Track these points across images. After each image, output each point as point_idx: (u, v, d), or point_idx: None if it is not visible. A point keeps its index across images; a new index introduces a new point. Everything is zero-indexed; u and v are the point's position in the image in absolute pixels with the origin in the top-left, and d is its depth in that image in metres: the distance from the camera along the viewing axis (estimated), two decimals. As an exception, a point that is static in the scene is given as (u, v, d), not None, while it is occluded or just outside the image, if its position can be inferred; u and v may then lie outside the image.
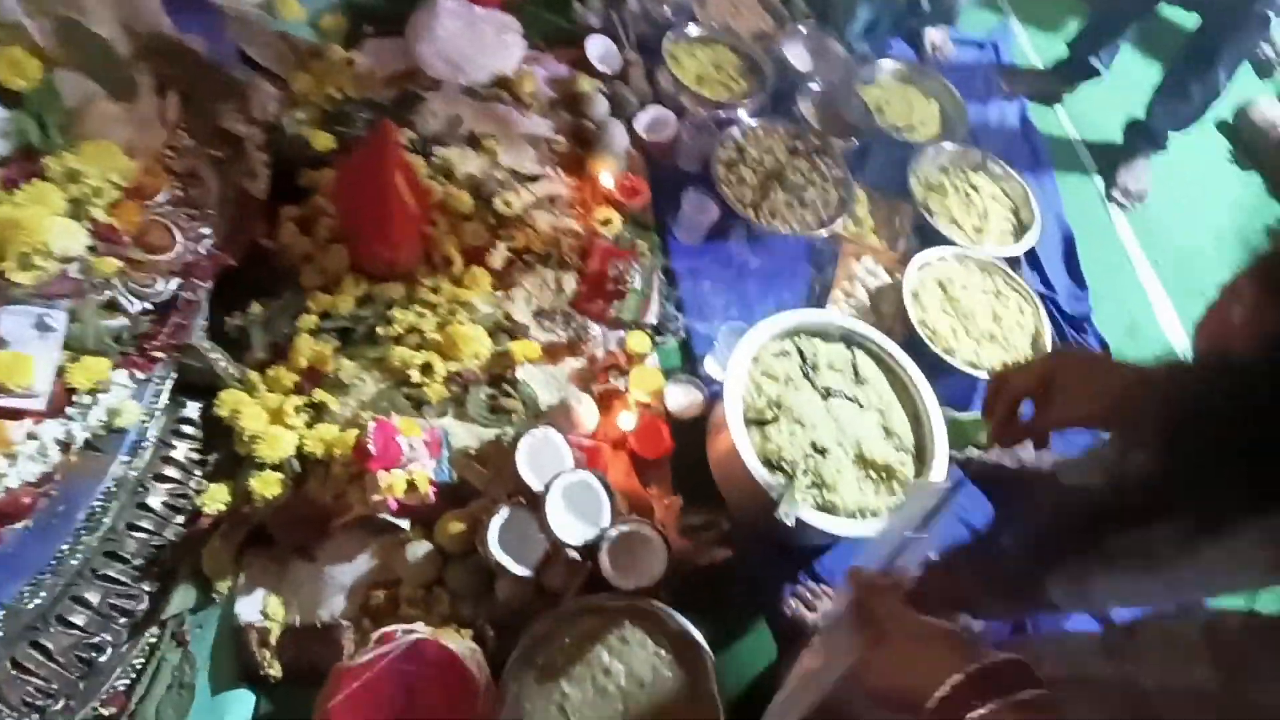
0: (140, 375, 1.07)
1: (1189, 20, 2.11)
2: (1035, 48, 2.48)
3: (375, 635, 0.99)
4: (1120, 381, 0.76)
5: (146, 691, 1.00)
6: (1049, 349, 1.57)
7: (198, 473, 1.15)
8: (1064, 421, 0.80)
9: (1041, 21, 2.58)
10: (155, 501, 1.09)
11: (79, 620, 0.98)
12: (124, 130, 1.11)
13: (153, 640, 1.03)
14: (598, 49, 1.84)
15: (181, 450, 1.14)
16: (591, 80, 1.79)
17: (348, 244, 1.34)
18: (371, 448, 1.07)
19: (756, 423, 1.21)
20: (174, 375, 1.13)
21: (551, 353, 1.39)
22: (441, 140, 1.58)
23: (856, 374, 1.30)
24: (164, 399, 1.10)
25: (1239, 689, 0.63)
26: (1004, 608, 1.12)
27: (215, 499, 1.12)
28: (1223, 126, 2.42)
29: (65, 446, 0.99)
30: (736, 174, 1.68)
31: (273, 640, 1.07)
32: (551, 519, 1.08)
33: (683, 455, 1.32)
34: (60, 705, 0.95)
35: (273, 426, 1.16)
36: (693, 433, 1.34)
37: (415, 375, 1.27)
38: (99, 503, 1.00)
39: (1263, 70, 2.61)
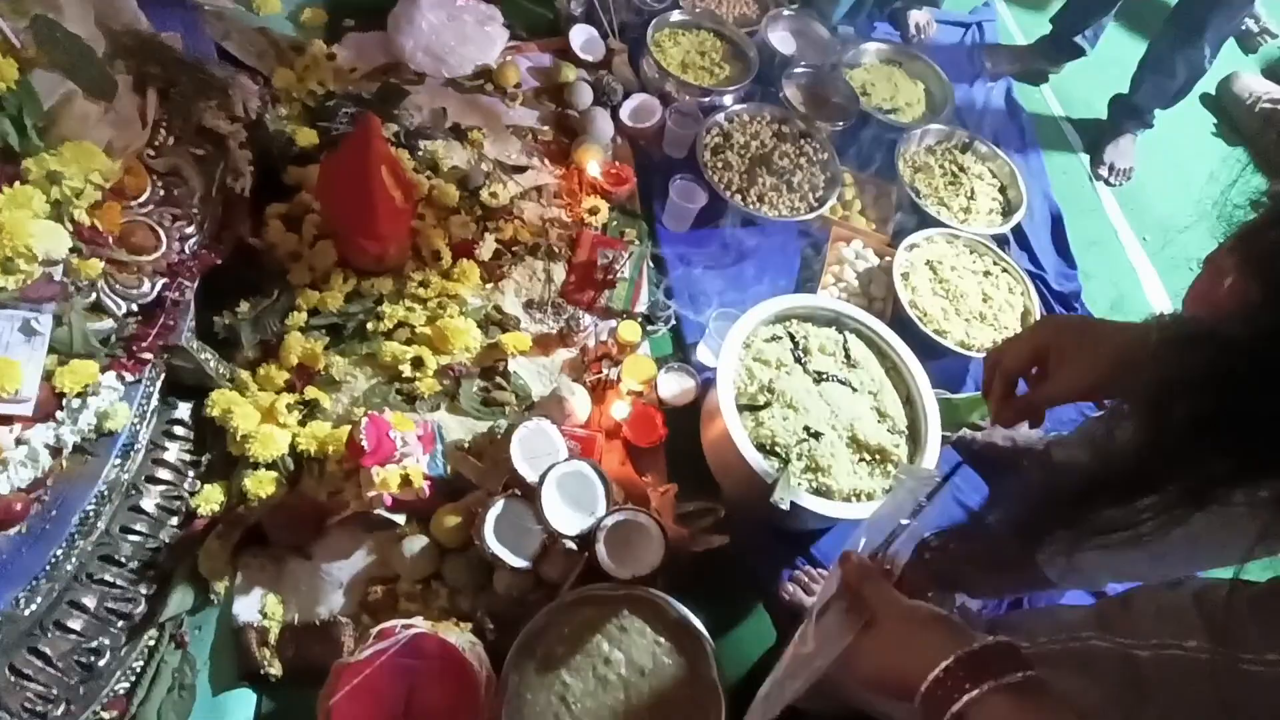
0: (129, 377, 1.06)
1: (1172, -4, 2.12)
2: (1020, 26, 2.48)
3: (374, 631, 0.99)
4: (1112, 349, 0.76)
5: (147, 694, 1.01)
6: (1038, 324, 1.57)
7: (191, 474, 1.15)
8: (1062, 397, 0.80)
9: (1025, 0, 2.57)
10: (149, 504, 1.09)
11: (76, 625, 0.98)
12: (104, 130, 1.10)
13: (151, 643, 1.03)
14: (581, 37, 1.82)
15: (174, 452, 1.14)
16: (575, 69, 1.78)
17: (335, 240, 1.34)
18: (365, 444, 1.06)
19: (749, 408, 1.21)
20: (164, 376, 1.12)
21: (543, 344, 1.39)
22: (426, 133, 1.57)
23: (848, 357, 1.31)
24: (154, 401, 1.10)
25: (1231, 658, 0.63)
26: (998, 585, 1.13)
27: (209, 500, 1.12)
28: (1206, 99, 2.42)
29: (56, 451, 0.99)
30: (723, 160, 1.68)
31: (272, 639, 1.07)
32: (547, 510, 1.08)
33: (676, 443, 1.32)
34: (61, 710, 0.95)
35: (265, 425, 1.16)
36: (686, 420, 1.34)
37: (406, 370, 1.27)
38: (92, 507, 1.00)
39: (1247, 45, 2.62)
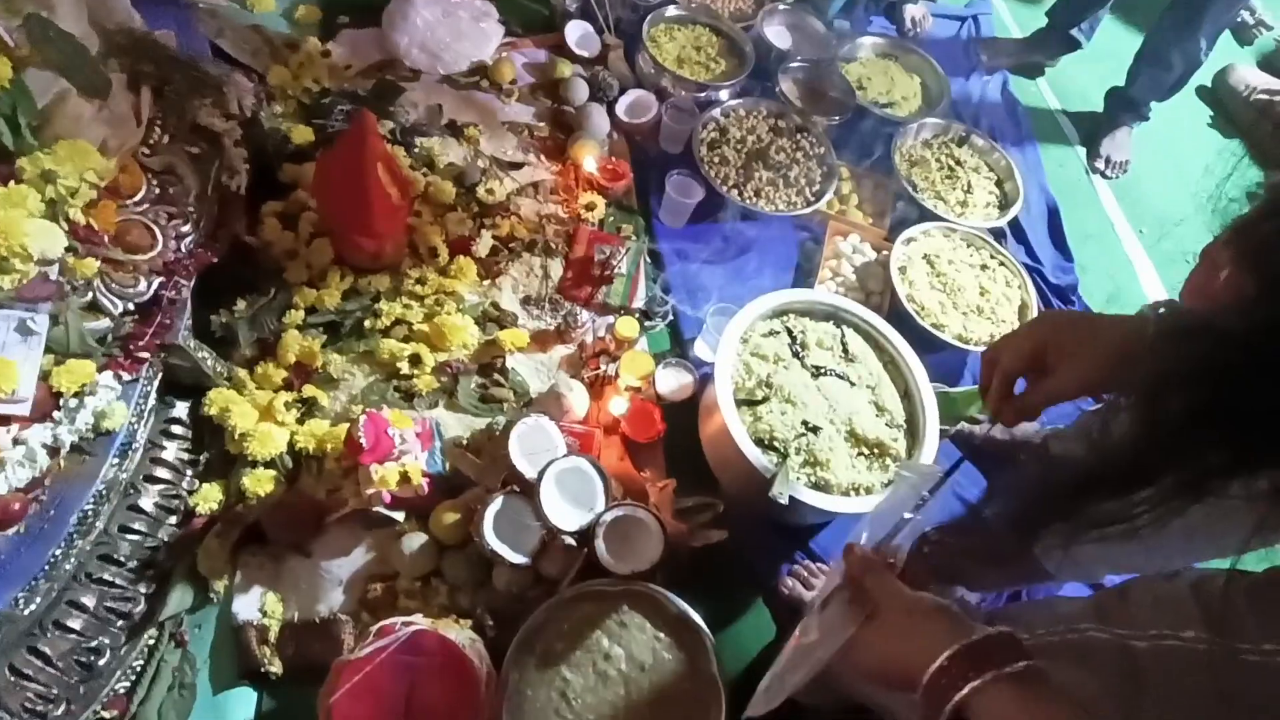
0: (126, 377, 1.06)
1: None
2: (1016, 20, 2.48)
3: (374, 628, 0.99)
4: (1111, 344, 0.76)
5: (147, 693, 1.01)
6: (1036, 319, 1.57)
7: (189, 473, 1.15)
8: (1063, 394, 0.79)
9: (1020, -7, 2.58)
10: (147, 503, 1.09)
11: (76, 624, 0.98)
12: (98, 129, 1.10)
13: (151, 642, 1.03)
14: (576, 33, 1.82)
15: (172, 451, 1.14)
16: (571, 65, 1.78)
17: (331, 237, 1.33)
18: (363, 441, 1.06)
19: (748, 403, 1.22)
20: (161, 375, 1.12)
21: (540, 340, 1.39)
22: (422, 130, 1.57)
23: (846, 351, 1.31)
24: (152, 400, 1.10)
25: (1228, 648, 0.64)
26: (997, 578, 1.14)
27: (208, 498, 1.12)
28: (1202, 92, 2.42)
29: (53, 451, 0.98)
30: (719, 155, 1.68)
31: (272, 637, 1.07)
32: (546, 506, 1.08)
33: (675, 438, 1.33)
34: (61, 710, 0.95)
35: (263, 424, 1.16)
36: (684, 415, 1.34)
37: (404, 367, 1.27)
38: (90, 506, 1.00)
39: (1243, 37, 2.62)
